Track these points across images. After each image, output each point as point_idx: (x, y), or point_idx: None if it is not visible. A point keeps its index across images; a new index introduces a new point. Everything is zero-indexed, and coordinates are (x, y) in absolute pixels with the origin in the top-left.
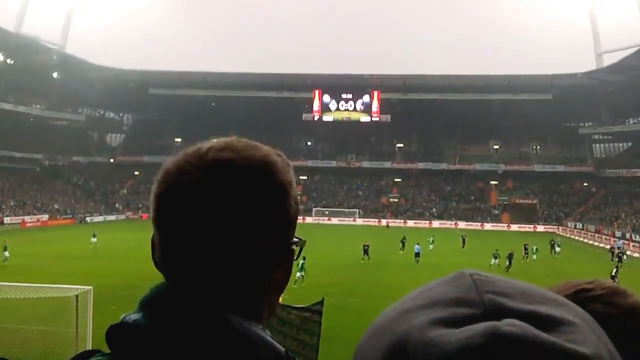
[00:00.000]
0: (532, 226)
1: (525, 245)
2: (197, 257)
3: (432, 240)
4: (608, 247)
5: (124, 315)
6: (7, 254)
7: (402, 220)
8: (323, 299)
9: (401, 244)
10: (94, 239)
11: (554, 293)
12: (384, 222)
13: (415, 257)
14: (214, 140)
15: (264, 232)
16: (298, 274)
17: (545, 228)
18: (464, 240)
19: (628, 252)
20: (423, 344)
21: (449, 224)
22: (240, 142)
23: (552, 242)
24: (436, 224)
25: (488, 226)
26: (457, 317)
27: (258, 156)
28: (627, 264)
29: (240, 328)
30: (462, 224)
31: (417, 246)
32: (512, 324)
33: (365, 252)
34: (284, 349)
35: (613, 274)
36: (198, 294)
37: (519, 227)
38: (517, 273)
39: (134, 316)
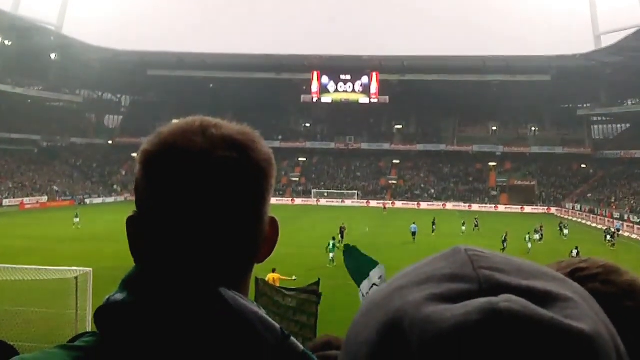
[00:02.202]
0: (519, 207)
1: (560, 224)
2: (193, 228)
3: (463, 223)
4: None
5: (107, 296)
6: None
7: (391, 202)
8: (319, 279)
9: (433, 226)
10: (76, 219)
11: (551, 269)
12: (372, 203)
13: (412, 236)
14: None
15: (263, 206)
16: (330, 255)
17: (532, 209)
18: (476, 223)
19: (626, 234)
20: (419, 320)
21: (436, 205)
22: (216, 120)
23: (561, 225)
24: (424, 205)
25: (475, 207)
26: (453, 293)
27: (250, 132)
28: (618, 243)
29: (235, 304)
30: (449, 205)
31: (413, 225)
32: (509, 300)
33: (341, 234)
34: (279, 325)
35: (574, 255)
36: (188, 270)
37: (505, 207)
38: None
39: (120, 295)
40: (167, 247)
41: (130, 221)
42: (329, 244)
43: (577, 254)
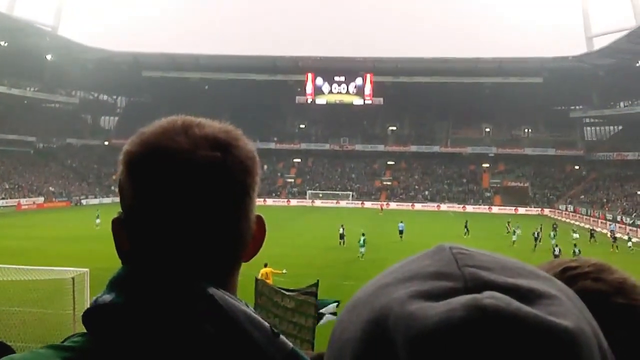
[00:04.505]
0: (513, 208)
1: (554, 225)
2: (179, 228)
3: (518, 226)
4: (604, 230)
5: (95, 297)
6: None
7: (385, 203)
8: (318, 280)
9: (465, 229)
10: (98, 221)
11: (535, 267)
12: (367, 204)
13: (399, 234)
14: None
15: (248, 205)
16: (362, 249)
17: (526, 211)
18: (508, 224)
19: (618, 235)
20: (403, 317)
21: (431, 206)
22: (198, 119)
23: (555, 226)
24: (419, 206)
25: (470, 208)
26: (438, 290)
27: (232, 130)
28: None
29: (224, 303)
30: (444, 206)
31: (401, 224)
32: (493, 297)
33: (341, 236)
34: (268, 324)
35: (556, 253)
36: (176, 270)
37: (499, 209)
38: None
39: (108, 297)
40: (153, 248)
41: (116, 222)
42: (359, 240)
43: (559, 251)
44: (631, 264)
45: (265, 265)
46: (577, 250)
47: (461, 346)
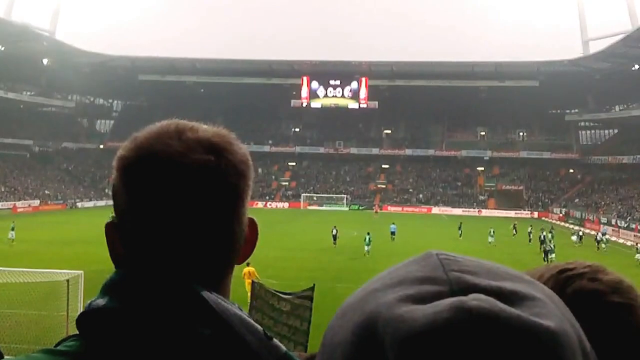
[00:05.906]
0: (507, 212)
1: (550, 229)
2: (173, 232)
3: (492, 232)
4: (594, 233)
5: (89, 301)
6: (13, 234)
7: (380, 206)
8: (314, 285)
9: (459, 231)
10: None
11: (519, 272)
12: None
13: (391, 235)
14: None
15: (241, 208)
16: (366, 248)
17: (516, 214)
18: (514, 227)
19: (613, 238)
20: (391, 320)
21: (424, 209)
22: (192, 123)
23: (551, 229)
24: (413, 209)
25: (458, 211)
26: (425, 294)
27: (226, 134)
28: (607, 249)
29: (217, 306)
30: (436, 209)
31: (392, 225)
32: (478, 299)
33: (334, 238)
34: (261, 328)
35: (549, 248)
36: (169, 274)
37: (489, 212)
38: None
39: (101, 301)
40: (147, 252)
41: (109, 227)
42: (365, 238)
43: (552, 248)
44: (612, 264)
45: (248, 265)
46: (551, 245)
47: (447, 346)
